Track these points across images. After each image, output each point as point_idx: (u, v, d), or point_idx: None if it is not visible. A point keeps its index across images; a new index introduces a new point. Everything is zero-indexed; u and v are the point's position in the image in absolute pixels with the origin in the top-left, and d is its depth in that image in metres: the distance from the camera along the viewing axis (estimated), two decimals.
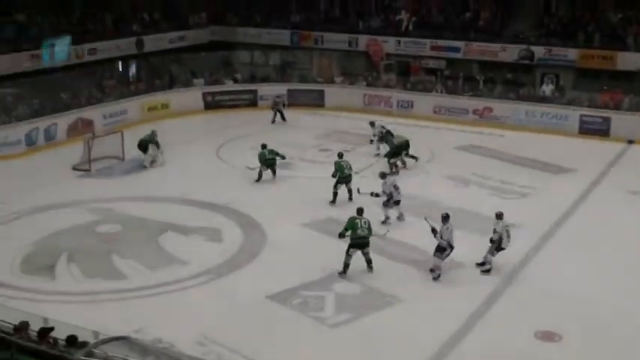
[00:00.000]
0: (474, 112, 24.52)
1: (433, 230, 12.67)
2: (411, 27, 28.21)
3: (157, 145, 19.64)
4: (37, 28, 25.58)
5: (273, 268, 13.32)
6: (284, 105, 25.12)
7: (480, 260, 13.16)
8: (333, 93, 26.90)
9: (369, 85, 27.17)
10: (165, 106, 25.52)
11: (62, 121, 22.00)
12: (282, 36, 30.32)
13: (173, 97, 25.93)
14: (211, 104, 26.62)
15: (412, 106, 25.57)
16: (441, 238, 12.58)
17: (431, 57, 27.42)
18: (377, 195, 15.08)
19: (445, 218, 12.66)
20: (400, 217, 15.28)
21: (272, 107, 24.81)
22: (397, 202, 15.12)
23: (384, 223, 14.93)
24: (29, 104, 22.32)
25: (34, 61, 24.24)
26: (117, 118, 23.78)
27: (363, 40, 28.83)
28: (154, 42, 29.04)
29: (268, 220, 15.42)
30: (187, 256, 13.70)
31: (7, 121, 21.08)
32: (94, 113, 23.11)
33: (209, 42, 31.19)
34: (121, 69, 28.55)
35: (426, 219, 13.00)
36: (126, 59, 28.25)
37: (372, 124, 21.20)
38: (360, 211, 13.10)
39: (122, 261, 13.54)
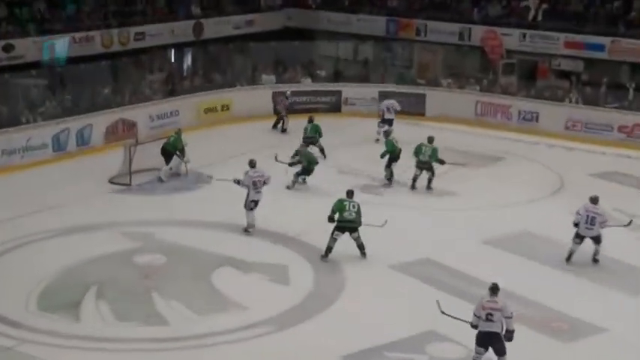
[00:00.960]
0: (620, 129, 24.05)
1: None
2: (540, 17, 27.80)
3: (183, 152, 19.84)
4: (74, 5, 26.41)
5: (351, 319, 13.16)
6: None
7: None
8: (437, 98, 26.73)
9: (483, 90, 26.94)
10: (225, 107, 25.80)
11: (99, 122, 22.45)
12: (376, 24, 30.31)
13: (236, 97, 26.21)
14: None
15: (537, 119, 25.25)
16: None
17: (565, 56, 27.02)
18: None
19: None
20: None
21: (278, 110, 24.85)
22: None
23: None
24: (59, 100, 22.89)
25: (69, 46, 24.99)
26: (166, 121, 24.13)
27: (478, 32, 28.49)
28: (215, 27, 29.53)
29: (348, 258, 15.28)
30: (246, 300, 13.64)
31: (31, 119, 21.61)
32: (138, 114, 23.53)
33: (283, 29, 31.50)
34: (173, 59, 29.11)
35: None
36: (180, 47, 28.77)
37: None
38: (349, 193, 15.35)
39: (164, 302, 13.52)
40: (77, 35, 25.37)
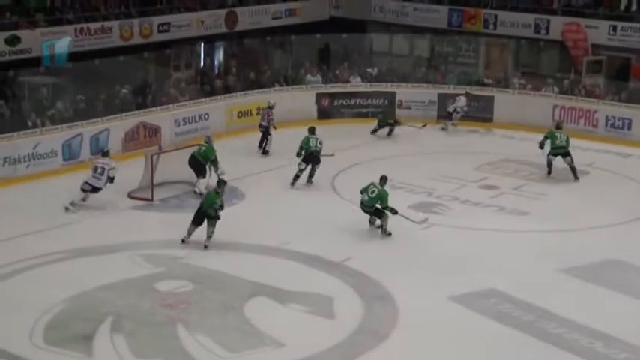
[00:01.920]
0: None
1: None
2: (634, 6, 27.49)
3: (215, 163, 20.03)
4: None
5: (406, 358, 13.15)
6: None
7: None
8: (508, 102, 26.73)
9: (563, 92, 26.80)
10: (261, 110, 25.85)
11: (117, 127, 22.79)
12: (437, 14, 30.45)
13: (275, 99, 26.23)
14: (329, 111, 27.03)
15: (630, 127, 25.12)
16: None
17: None
18: None
19: None
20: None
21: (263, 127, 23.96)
22: None
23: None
24: (71, 101, 23.24)
25: (82, 38, 25.36)
26: (194, 126, 24.47)
27: (558, 24, 28.42)
28: (251, 17, 29.89)
29: (402, 287, 15.32)
30: (283, 335, 13.67)
31: (39, 123, 21.91)
32: (162, 117, 23.86)
33: (330, 19, 31.64)
34: (202, 54, 29.39)
35: None
36: (210, 40, 29.04)
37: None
38: (311, 130, 20.63)
39: (190, 336, 13.61)
40: (92, 26, 25.84)
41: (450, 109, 25.74)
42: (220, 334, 13.65)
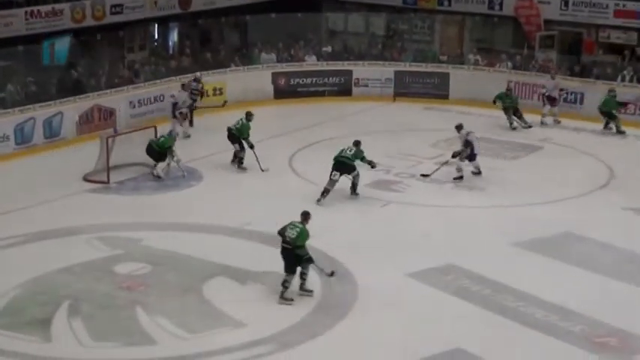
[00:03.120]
0: None
1: None
2: None
3: (171, 152, 19.98)
4: None
5: (364, 337, 13.21)
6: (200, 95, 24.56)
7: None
8: (463, 78, 26.87)
9: (516, 67, 27.00)
10: (218, 91, 25.88)
11: (70, 110, 22.59)
12: None
13: (230, 79, 26.33)
14: (285, 91, 26.95)
15: (582, 101, 25.30)
16: None
17: (615, 27, 27.06)
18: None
19: None
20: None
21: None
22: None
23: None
24: (23, 83, 22.97)
25: (33, 21, 25.03)
26: (149, 108, 24.32)
27: (512, 0, 28.45)
28: None
29: (361, 265, 15.38)
30: (243, 315, 13.70)
31: None
32: (116, 99, 23.69)
33: None
34: (156, 36, 29.18)
35: None
36: (164, 21, 28.84)
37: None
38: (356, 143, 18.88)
39: (149, 318, 13.59)
40: (43, 9, 25.47)
41: (554, 93, 24.91)
42: (180, 316, 13.63)
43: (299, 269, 14.27)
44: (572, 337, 13.17)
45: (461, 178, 19.97)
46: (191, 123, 23.88)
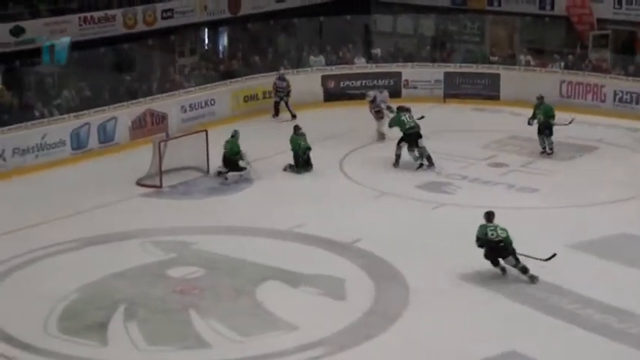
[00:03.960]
0: None
1: None
2: None
3: (242, 154, 20.19)
4: None
5: (418, 339, 13.18)
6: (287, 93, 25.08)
7: None
8: (514, 79, 26.65)
9: (569, 67, 26.69)
10: (268, 94, 25.95)
11: (123, 115, 22.82)
12: None
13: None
14: (334, 93, 26.95)
15: (637, 101, 25.02)
16: None
17: None
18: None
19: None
20: None
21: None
22: None
23: None
24: (77, 89, 23.24)
25: (86, 27, 25.35)
26: (200, 112, 24.50)
27: (563, 0, 28.21)
28: (254, 1, 29.82)
29: (412, 267, 15.35)
30: (295, 318, 13.71)
31: (46, 113, 21.94)
32: (168, 104, 23.89)
33: (333, 1, 31.52)
34: (207, 40, 29.37)
35: None
36: (214, 26, 29.02)
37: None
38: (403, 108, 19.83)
39: (203, 322, 13.67)
40: (96, 15, 25.82)
41: None
42: (233, 319, 13.70)
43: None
44: (631, 339, 13.01)
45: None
46: (294, 116, 24.62)
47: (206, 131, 20.87)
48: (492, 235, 14.74)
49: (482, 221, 15.02)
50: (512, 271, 14.84)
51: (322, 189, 19.60)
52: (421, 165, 20.44)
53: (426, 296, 14.40)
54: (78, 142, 21.82)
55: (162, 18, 27.39)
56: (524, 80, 26.26)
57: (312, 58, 27.54)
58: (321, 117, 25.34)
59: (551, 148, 21.60)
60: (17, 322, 13.48)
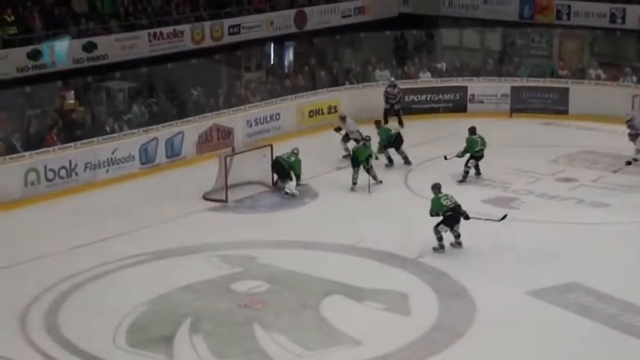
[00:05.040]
0: None
1: None
2: None
3: (298, 176, 20.41)
4: None
5: (483, 356, 13.13)
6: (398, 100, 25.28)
7: None
8: (584, 93, 26.42)
9: None
10: (333, 109, 26.07)
11: (191, 130, 23.09)
12: (508, 7, 30.27)
13: (345, 97, 26.47)
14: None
15: None
16: None
17: None
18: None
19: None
20: None
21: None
22: None
23: None
24: (146, 104, 23.62)
25: (156, 43, 25.76)
26: (266, 126, 24.69)
27: (635, 13, 27.89)
28: (320, 16, 30.02)
29: (478, 282, 15.32)
30: (359, 333, 13.73)
31: (117, 128, 22.29)
32: (234, 119, 24.10)
33: (399, 16, 31.59)
34: (272, 55, 29.59)
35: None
36: (280, 41, 29.24)
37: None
38: (437, 187, 17.10)
39: (267, 336, 13.77)
40: (165, 30, 26.17)
41: None
42: (297, 333, 13.77)
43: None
44: None
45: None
46: (401, 123, 24.88)
47: (271, 146, 21.03)
48: (447, 202, 16.54)
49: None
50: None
51: (386, 203, 19.62)
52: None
53: (492, 313, 14.32)
54: (146, 157, 22.12)
55: (230, 33, 27.63)
56: (595, 94, 26.02)
57: (377, 72, 27.57)
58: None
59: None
60: (87, 335, 13.73)
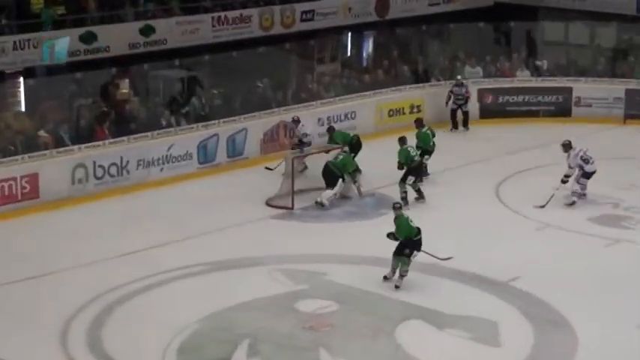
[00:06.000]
0: None
1: None
2: None
3: (354, 173, 20.13)
4: None
5: None
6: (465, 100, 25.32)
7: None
8: None
9: None
10: (415, 108, 25.92)
11: (255, 127, 23.13)
12: None
13: (429, 96, 26.36)
14: (492, 110, 26.86)
15: None
16: None
17: None
18: None
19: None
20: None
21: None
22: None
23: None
24: (208, 96, 23.72)
25: (220, 28, 25.84)
26: (339, 126, 24.36)
27: None
28: (404, 4, 29.94)
29: (580, 311, 15.10)
30: None
31: (173, 122, 22.37)
32: (304, 116, 23.91)
33: (494, 5, 31.33)
34: (349, 46, 29.50)
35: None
36: (359, 30, 29.14)
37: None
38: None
39: None
40: (230, 14, 26.30)
41: None
42: None
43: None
44: None
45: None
46: (465, 124, 25.32)
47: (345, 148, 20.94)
48: (414, 154, 19.65)
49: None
50: None
51: (475, 217, 19.42)
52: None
53: (596, 346, 14.12)
54: (205, 156, 22.20)
55: (302, 20, 27.69)
56: None
57: (467, 68, 27.40)
58: (475, 136, 25.24)
59: None
60: (133, 354, 13.77)
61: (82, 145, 20.48)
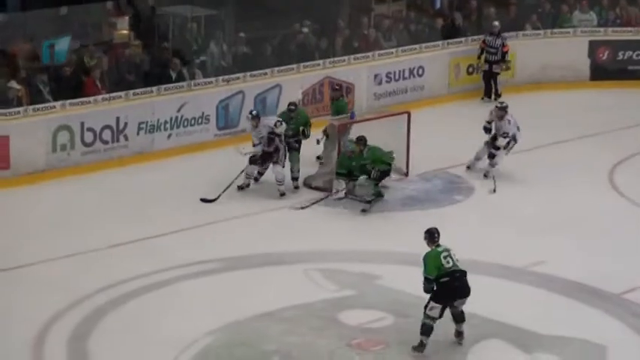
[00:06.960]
0: None
1: None
2: None
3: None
4: None
5: None
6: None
7: None
8: None
9: None
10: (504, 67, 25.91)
11: (292, 84, 23.17)
12: None
13: (523, 48, 26.49)
14: (608, 68, 26.89)
15: None
16: None
17: None
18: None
19: None
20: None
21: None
22: None
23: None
24: (231, 41, 23.81)
25: None
26: (401, 84, 24.81)
27: None
28: None
29: None
30: None
31: (186, 75, 22.51)
32: (356, 71, 24.20)
33: None
34: None
35: None
36: None
37: None
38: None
39: None
40: None
41: None
42: None
43: None
44: None
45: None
46: (497, 93, 25.12)
47: (408, 113, 21.05)
48: (448, 262, 14.36)
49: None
50: None
51: (578, 210, 19.51)
52: None
53: None
54: (226, 119, 22.40)
55: None
56: None
57: (577, 14, 27.37)
58: (584, 103, 25.39)
59: None
60: None
61: (66, 101, 20.66)
